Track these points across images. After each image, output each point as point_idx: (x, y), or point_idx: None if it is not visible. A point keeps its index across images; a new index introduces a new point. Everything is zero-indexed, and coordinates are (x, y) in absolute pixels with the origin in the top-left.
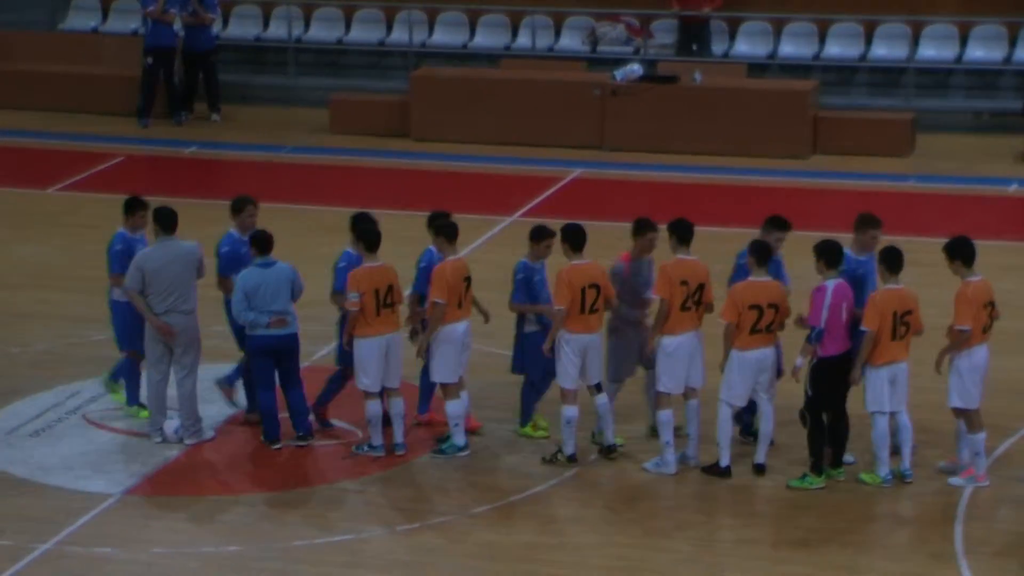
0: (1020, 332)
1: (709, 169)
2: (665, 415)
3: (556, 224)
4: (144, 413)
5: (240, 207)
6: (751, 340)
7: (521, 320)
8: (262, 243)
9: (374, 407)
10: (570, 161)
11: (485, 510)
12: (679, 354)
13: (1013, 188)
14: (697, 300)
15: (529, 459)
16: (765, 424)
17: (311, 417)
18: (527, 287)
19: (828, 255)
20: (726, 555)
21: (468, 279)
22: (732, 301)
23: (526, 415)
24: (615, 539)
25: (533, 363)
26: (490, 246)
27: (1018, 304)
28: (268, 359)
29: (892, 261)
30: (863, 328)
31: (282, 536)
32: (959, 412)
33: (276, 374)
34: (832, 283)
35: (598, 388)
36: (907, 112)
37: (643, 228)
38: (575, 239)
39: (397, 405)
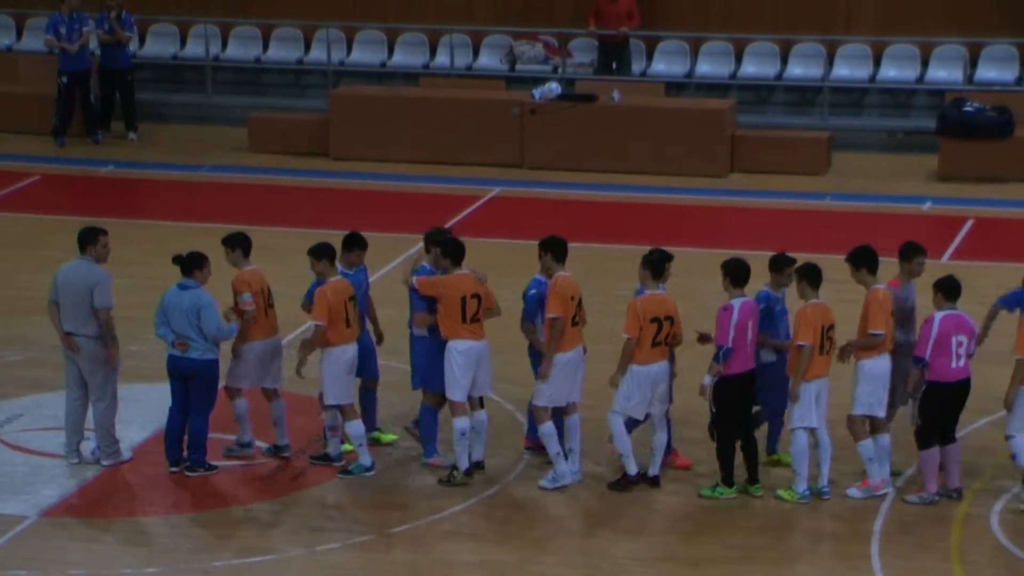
0: None
1: (628, 188)
2: (548, 428)
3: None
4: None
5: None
6: (651, 354)
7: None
8: (183, 264)
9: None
10: (489, 180)
11: (405, 529)
12: (566, 369)
13: (927, 206)
14: (575, 320)
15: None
16: (660, 437)
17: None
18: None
19: (735, 273)
20: (648, 571)
21: (353, 298)
22: (634, 315)
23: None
24: (534, 557)
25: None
26: None
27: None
28: (176, 380)
29: (813, 277)
30: (800, 343)
31: (201, 557)
32: (863, 419)
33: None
34: (738, 302)
35: (481, 402)
36: (823, 131)
37: (910, 252)
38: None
39: (277, 408)
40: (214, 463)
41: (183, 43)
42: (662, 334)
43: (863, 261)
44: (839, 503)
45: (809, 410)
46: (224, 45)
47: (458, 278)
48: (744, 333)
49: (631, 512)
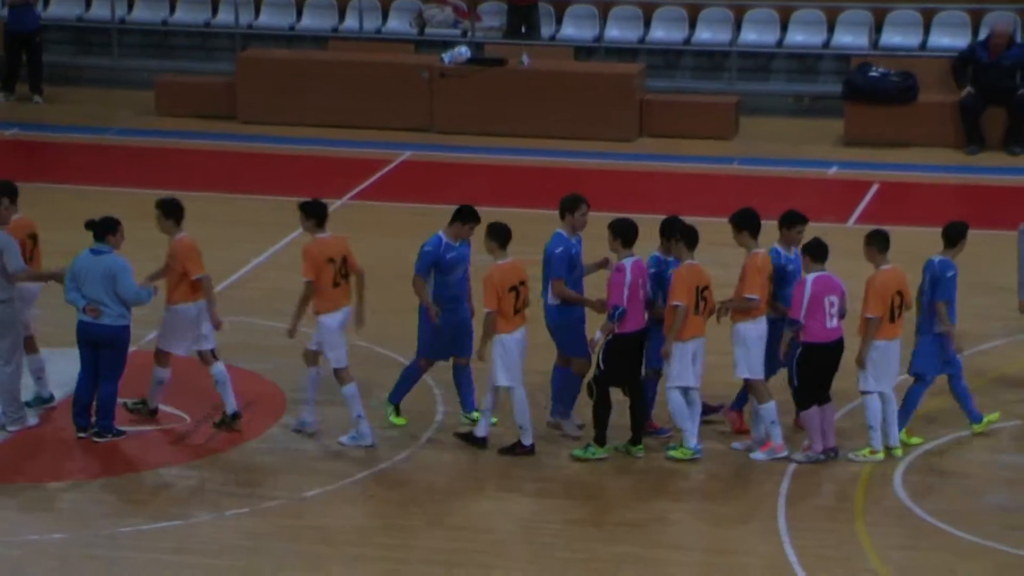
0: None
1: (538, 152)
2: (350, 389)
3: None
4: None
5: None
6: (515, 321)
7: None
8: (96, 229)
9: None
10: (399, 144)
11: (316, 494)
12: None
13: (833, 171)
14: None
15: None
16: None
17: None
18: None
19: (624, 234)
20: (555, 535)
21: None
22: (491, 288)
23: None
24: (444, 520)
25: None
26: None
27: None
28: (86, 347)
29: (690, 238)
30: (676, 303)
31: (109, 523)
32: (761, 382)
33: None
34: (629, 261)
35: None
36: (731, 96)
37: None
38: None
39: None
40: (123, 428)
41: (88, 5)
42: (519, 301)
43: (746, 223)
44: (745, 466)
45: (686, 369)
46: (130, 7)
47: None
48: (636, 292)
49: (539, 475)
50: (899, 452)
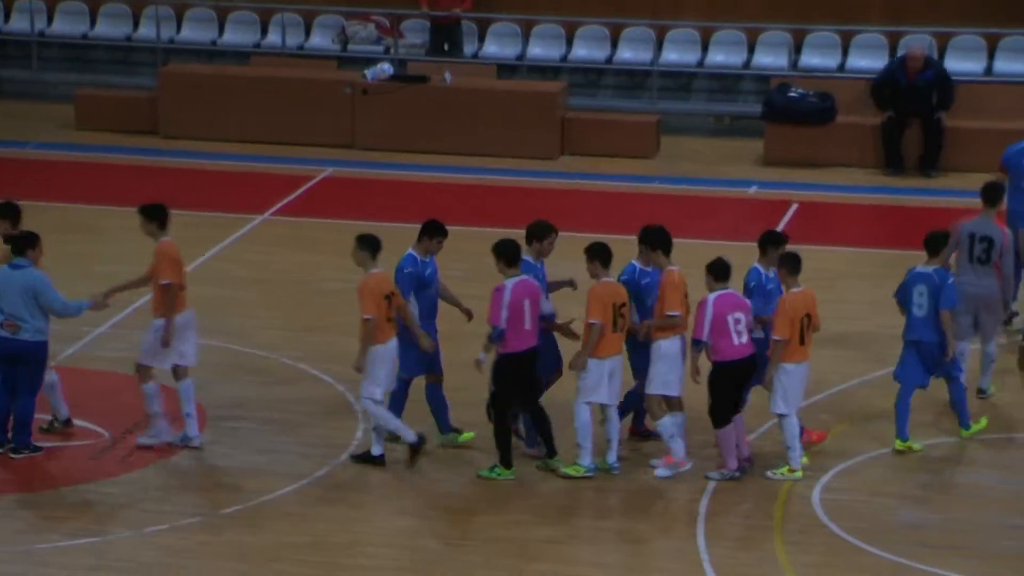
0: None
1: (460, 169)
2: (150, 388)
3: (310, 223)
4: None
5: None
6: (388, 331)
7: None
8: (15, 244)
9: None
10: (321, 160)
11: (236, 510)
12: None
13: (753, 190)
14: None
15: (279, 459)
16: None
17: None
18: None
19: (507, 255)
20: (476, 552)
21: None
22: (368, 295)
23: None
24: (366, 538)
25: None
26: (242, 244)
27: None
28: (3, 362)
29: (603, 256)
30: (591, 321)
31: (25, 539)
32: (659, 399)
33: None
34: (511, 282)
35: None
36: (652, 115)
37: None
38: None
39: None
40: (39, 444)
41: (8, 17)
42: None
43: (659, 243)
44: (664, 484)
45: (600, 386)
46: (50, 20)
47: None
48: (520, 312)
49: (460, 493)
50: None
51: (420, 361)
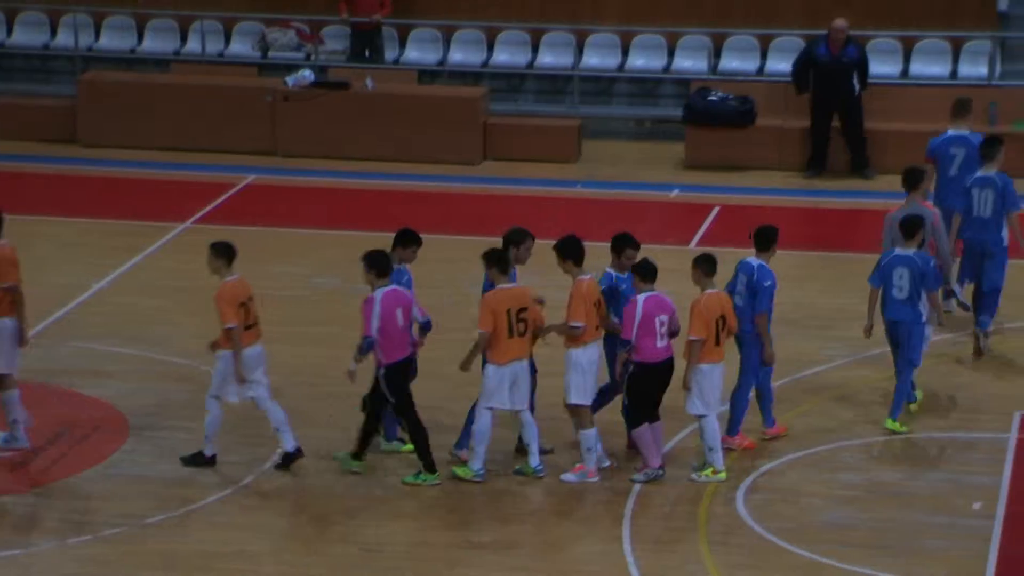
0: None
1: (382, 175)
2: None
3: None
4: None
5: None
6: (249, 336)
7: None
8: None
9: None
10: (243, 167)
11: (160, 520)
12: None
13: (675, 193)
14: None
15: (202, 468)
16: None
17: None
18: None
19: (378, 265)
20: (401, 559)
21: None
22: (227, 302)
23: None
24: (289, 546)
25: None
26: (164, 253)
27: (682, 306)
28: None
29: (500, 263)
30: (479, 330)
31: None
32: (584, 408)
33: None
34: (380, 292)
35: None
36: (573, 119)
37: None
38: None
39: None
40: None
41: None
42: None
43: (569, 252)
44: (590, 487)
45: (500, 392)
46: None
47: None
48: (393, 320)
49: (389, 498)
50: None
51: None
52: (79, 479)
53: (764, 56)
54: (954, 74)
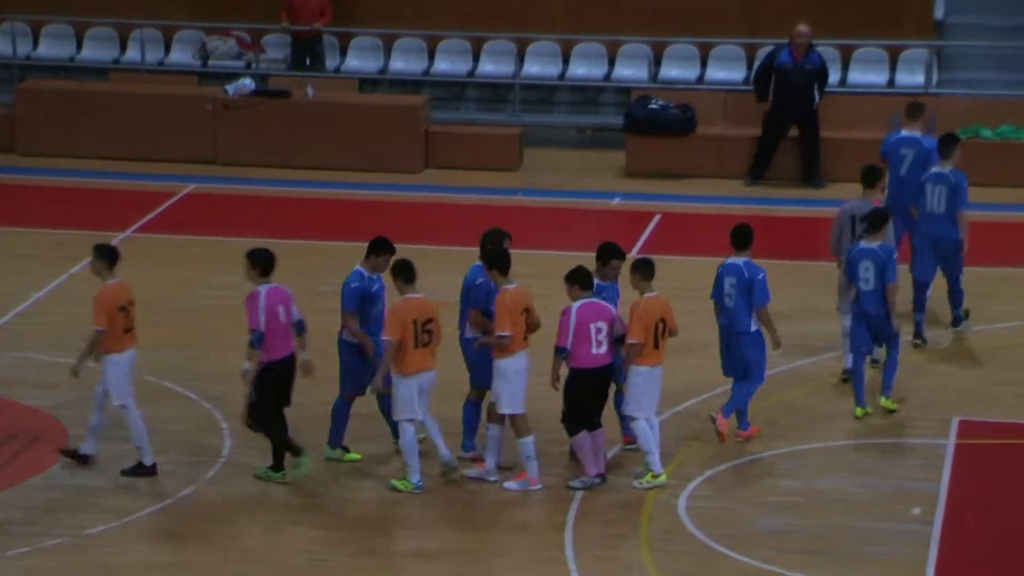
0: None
1: (324, 184)
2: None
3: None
4: (352, 455)
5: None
6: (124, 341)
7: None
8: None
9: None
10: (183, 176)
11: (100, 530)
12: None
13: (616, 201)
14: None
15: (145, 477)
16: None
17: None
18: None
19: (262, 264)
20: (343, 569)
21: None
22: (101, 307)
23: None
24: (232, 556)
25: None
26: None
27: (623, 311)
28: None
29: (406, 273)
30: (385, 338)
31: None
32: (522, 416)
33: None
34: (264, 288)
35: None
36: (515, 127)
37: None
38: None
39: None
40: None
41: None
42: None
43: (495, 262)
44: (532, 494)
45: (411, 403)
46: None
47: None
48: (276, 318)
49: (327, 509)
50: (663, 478)
51: (357, 382)
52: (19, 490)
53: (704, 64)
54: (892, 83)
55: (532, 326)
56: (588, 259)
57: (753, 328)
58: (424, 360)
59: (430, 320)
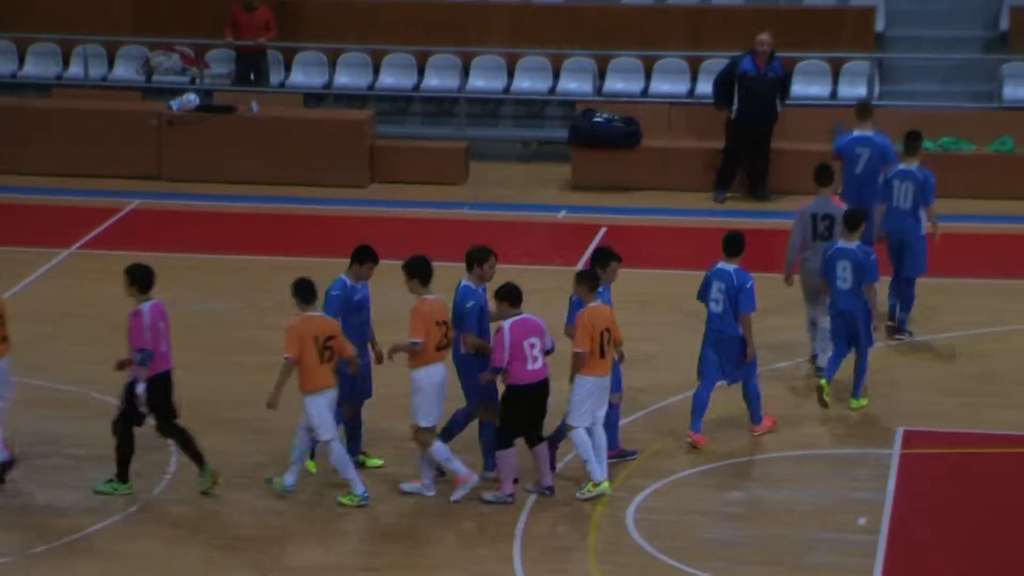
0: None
1: (269, 199)
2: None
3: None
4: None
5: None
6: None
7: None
8: None
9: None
10: (127, 192)
11: (44, 549)
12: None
13: (562, 214)
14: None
15: (90, 495)
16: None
17: None
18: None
19: (140, 280)
20: None
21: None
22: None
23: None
24: (174, 573)
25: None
26: (50, 278)
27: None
28: None
29: (305, 292)
30: (285, 356)
31: None
32: (430, 430)
33: None
34: (147, 306)
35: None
36: (460, 141)
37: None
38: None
39: None
40: None
41: None
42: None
43: (415, 272)
44: (478, 505)
45: (327, 421)
46: None
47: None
48: (158, 334)
49: (273, 523)
50: (607, 486)
51: (350, 390)
52: None
53: (648, 78)
54: (834, 95)
55: (452, 339)
56: (535, 272)
57: (734, 333)
58: (327, 377)
59: (331, 337)
